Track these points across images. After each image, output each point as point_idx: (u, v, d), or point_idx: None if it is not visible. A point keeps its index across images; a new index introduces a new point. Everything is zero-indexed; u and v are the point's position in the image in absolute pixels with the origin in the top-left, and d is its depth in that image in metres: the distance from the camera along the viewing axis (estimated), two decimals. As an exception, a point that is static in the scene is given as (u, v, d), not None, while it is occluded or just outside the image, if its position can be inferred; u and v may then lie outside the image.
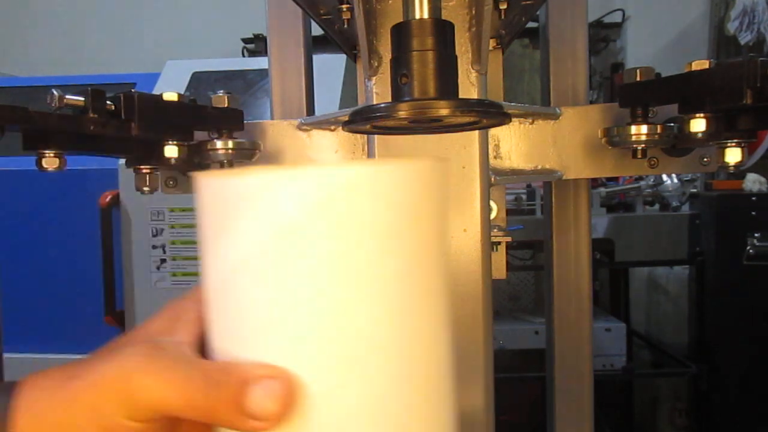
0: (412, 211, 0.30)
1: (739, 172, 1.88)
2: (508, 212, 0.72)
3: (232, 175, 0.29)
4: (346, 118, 0.43)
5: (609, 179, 1.96)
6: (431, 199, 0.31)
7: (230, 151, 0.59)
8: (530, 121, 0.62)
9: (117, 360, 0.30)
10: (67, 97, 0.46)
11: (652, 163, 0.61)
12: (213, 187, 0.30)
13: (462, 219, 0.55)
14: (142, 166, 0.56)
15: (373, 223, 0.29)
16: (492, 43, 0.67)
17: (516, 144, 0.62)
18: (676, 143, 0.57)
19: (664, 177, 1.94)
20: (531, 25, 0.70)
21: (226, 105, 0.58)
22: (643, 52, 2.58)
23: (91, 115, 0.46)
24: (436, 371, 0.31)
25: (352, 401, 0.28)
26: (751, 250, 1.76)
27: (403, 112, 0.40)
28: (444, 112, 0.40)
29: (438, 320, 0.31)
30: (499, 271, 0.66)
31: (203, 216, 0.31)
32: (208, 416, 0.29)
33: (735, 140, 0.50)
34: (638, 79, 0.53)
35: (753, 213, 1.79)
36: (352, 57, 0.71)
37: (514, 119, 0.62)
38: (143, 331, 0.34)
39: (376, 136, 0.55)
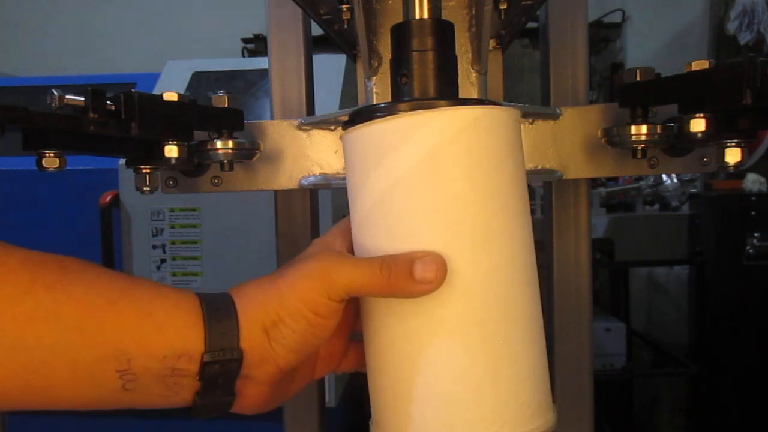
0: (512, 139, 0.42)
1: (739, 172, 1.88)
2: (508, 212, 0.72)
3: (378, 122, 0.41)
4: (346, 118, 0.43)
5: (609, 179, 1.96)
6: (519, 132, 0.43)
7: (230, 151, 0.59)
8: (530, 121, 0.62)
9: (316, 260, 0.42)
10: (67, 97, 0.46)
11: (652, 163, 0.61)
12: (367, 132, 0.41)
13: (462, 219, 0.54)
14: (142, 166, 0.56)
15: (489, 146, 0.41)
16: (492, 43, 0.67)
17: (516, 144, 0.62)
18: (676, 143, 0.57)
19: (664, 177, 1.94)
20: (531, 25, 0.69)
21: (226, 105, 0.58)
22: (643, 52, 2.58)
23: (91, 115, 0.46)
24: (531, 256, 0.43)
25: (481, 271, 0.40)
26: (750, 250, 1.77)
27: (403, 112, 0.40)
28: (444, 112, 0.40)
29: (527, 222, 0.43)
30: (499, 271, 0.66)
31: (357, 155, 0.42)
32: (387, 289, 0.40)
33: (735, 140, 0.50)
34: (638, 79, 0.53)
35: (753, 213, 1.79)
36: (352, 57, 0.71)
37: (514, 119, 0.62)
38: (306, 253, 0.45)
39: (376, 136, 0.55)
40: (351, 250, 0.45)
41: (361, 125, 0.41)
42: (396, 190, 0.40)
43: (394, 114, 0.40)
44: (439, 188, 0.40)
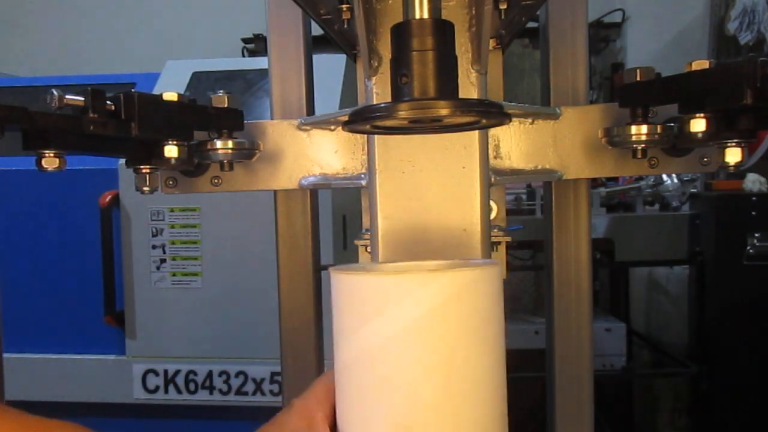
0: (495, 298, 0.44)
1: (739, 172, 1.88)
2: (508, 212, 0.72)
3: (368, 273, 0.42)
4: (346, 118, 0.43)
5: (609, 179, 1.96)
6: (501, 289, 0.45)
7: (230, 151, 0.59)
8: (530, 121, 0.62)
9: None
10: (67, 97, 0.46)
11: (652, 163, 0.61)
12: (362, 281, 0.42)
13: (462, 219, 0.55)
14: (142, 166, 0.56)
15: (483, 302, 0.42)
16: (492, 43, 0.67)
17: (516, 144, 0.62)
18: (676, 143, 0.57)
19: (664, 177, 1.93)
20: (531, 25, 0.69)
21: (226, 105, 0.58)
22: (643, 52, 2.58)
23: (91, 115, 0.46)
24: (503, 407, 0.45)
25: (465, 422, 0.42)
26: (751, 250, 1.76)
27: (403, 112, 0.40)
28: (444, 112, 0.40)
29: (504, 370, 0.45)
30: (499, 271, 0.66)
31: (347, 302, 0.43)
32: None
33: (735, 140, 0.50)
34: (638, 79, 0.53)
35: (753, 213, 1.79)
36: (352, 57, 0.71)
37: (514, 119, 0.62)
38: (285, 428, 0.46)
39: (376, 136, 0.55)
40: (333, 415, 0.46)
41: (355, 272, 0.43)
42: (389, 346, 0.41)
43: (390, 268, 0.44)
44: (435, 347, 0.41)
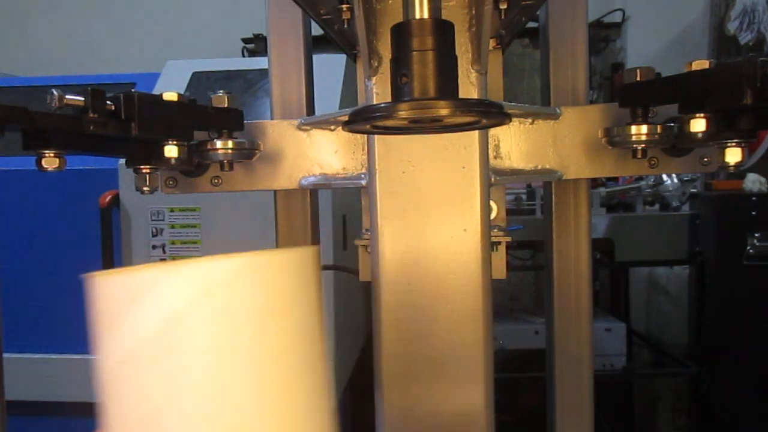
0: (286, 294, 0.33)
1: (739, 172, 1.88)
2: (508, 212, 0.72)
3: (121, 272, 0.32)
4: (346, 118, 0.43)
5: (609, 179, 1.96)
6: (302, 283, 0.34)
7: (230, 151, 0.59)
8: (530, 121, 0.62)
9: None
10: (67, 97, 0.46)
11: (652, 163, 0.61)
12: (100, 284, 0.32)
13: (462, 219, 0.55)
14: (142, 166, 0.56)
15: (249, 308, 0.32)
16: (492, 43, 0.67)
17: (516, 144, 0.62)
18: (676, 143, 0.57)
19: (664, 177, 1.93)
20: (531, 25, 0.69)
21: (226, 105, 0.58)
22: (643, 52, 2.58)
23: (91, 115, 0.46)
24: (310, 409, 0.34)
25: None
26: (751, 250, 1.76)
27: (403, 112, 0.40)
28: (444, 112, 0.40)
29: (313, 387, 0.35)
30: (499, 271, 0.66)
31: (93, 313, 0.33)
32: None
33: (735, 140, 0.50)
34: (638, 79, 0.53)
35: (753, 213, 1.79)
36: (352, 57, 0.71)
37: (514, 119, 0.62)
38: None
39: (376, 136, 0.55)
40: None
41: (96, 273, 0.33)
42: (126, 368, 0.32)
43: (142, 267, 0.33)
44: (178, 368, 0.31)
